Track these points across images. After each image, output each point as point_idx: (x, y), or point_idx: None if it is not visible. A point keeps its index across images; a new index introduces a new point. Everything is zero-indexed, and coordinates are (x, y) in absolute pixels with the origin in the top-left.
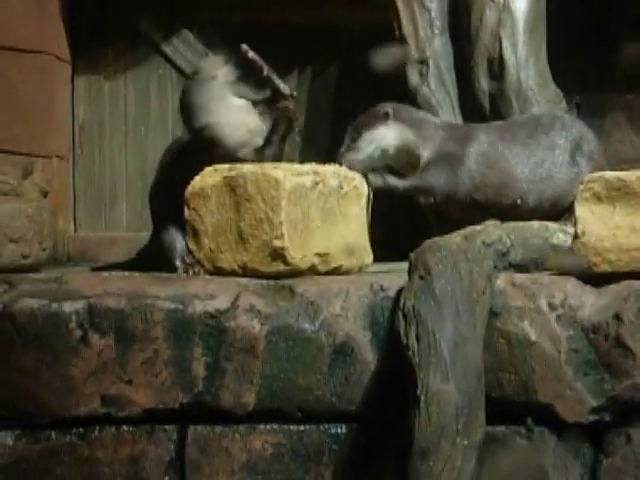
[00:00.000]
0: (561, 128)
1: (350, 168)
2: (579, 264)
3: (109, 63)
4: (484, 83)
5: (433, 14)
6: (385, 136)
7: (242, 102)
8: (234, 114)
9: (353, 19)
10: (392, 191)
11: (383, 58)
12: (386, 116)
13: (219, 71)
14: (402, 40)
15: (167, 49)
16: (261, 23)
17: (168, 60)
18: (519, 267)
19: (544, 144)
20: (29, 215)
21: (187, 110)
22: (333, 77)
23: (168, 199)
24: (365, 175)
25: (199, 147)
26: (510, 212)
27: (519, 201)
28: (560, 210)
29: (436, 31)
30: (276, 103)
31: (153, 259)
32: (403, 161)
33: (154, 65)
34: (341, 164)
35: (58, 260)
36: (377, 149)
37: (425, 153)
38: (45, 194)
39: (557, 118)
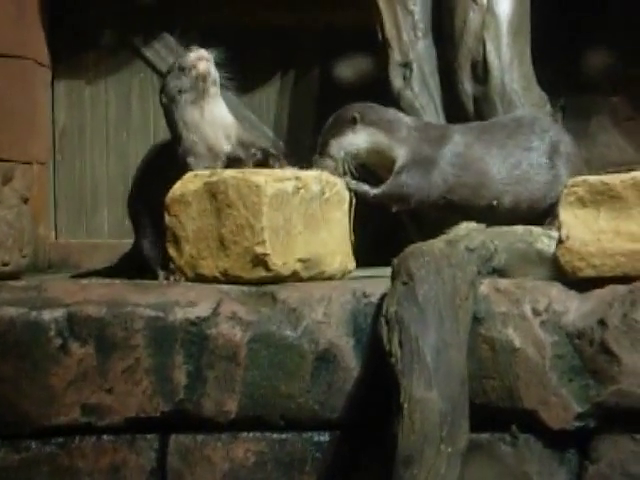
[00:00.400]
0: (540, 130)
1: None
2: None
3: (90, 68)
4: (468, 86)
5: (416, 17)
6: (353, 142)
7: (222, 117)
8: (204, 121)
9: (336, 22)
10: (364, 199)
11: (347, 68)
12: (354, 121)
13: (200, 62)
14: (385, 43)
15: (148, 53)
16: (244, 26)
17: (149, 64)
18: (503, 272)
19: (522, 145)
20: (9, 222)
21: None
22: (316, 80)
23: (147, 205)
24: None
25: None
26: (487, 213)
27: (495, 202)
28: (538, 212)
29: (419, 34)
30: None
31: (134, 266)
32: (378, 163)
33: (135, 69)
34: None
35: (39, 267)
36: (348, 155)
37: (399, 156)
38: (25, 200)
39: (537, 120)
